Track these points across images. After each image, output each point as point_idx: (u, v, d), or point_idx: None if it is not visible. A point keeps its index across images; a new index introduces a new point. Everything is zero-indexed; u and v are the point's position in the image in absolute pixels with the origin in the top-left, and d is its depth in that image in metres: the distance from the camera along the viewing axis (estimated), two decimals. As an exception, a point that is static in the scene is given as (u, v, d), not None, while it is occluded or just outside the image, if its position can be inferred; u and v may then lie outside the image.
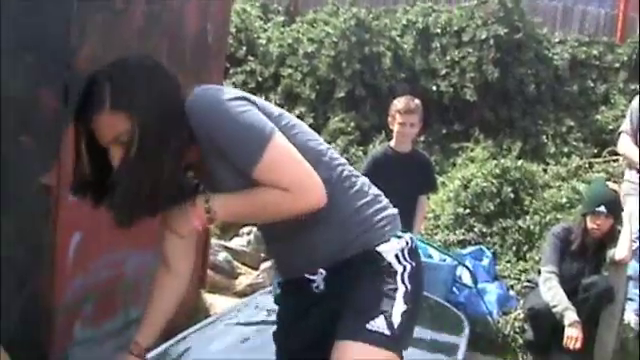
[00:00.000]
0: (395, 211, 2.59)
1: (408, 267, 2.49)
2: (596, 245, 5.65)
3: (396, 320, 2.41)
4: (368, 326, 2.37)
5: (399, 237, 2.53)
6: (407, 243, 2.53)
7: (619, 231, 5.69)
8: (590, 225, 5.59)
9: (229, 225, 6.99)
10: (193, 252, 2.70)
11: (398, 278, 2.46)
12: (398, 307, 2.43)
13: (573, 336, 5.28)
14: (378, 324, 2.38)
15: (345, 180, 2.50)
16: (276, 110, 2.46)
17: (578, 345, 5.28)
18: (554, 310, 5.42)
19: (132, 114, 2.23)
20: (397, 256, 2.49)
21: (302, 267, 2.55)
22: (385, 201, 2.58)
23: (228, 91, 2.37)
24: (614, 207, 5.63)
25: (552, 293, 5.47)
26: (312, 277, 2.53)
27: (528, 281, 6.06)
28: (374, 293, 2.44)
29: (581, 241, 5.63)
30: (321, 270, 2.52)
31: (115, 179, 2.27)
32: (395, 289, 2.45)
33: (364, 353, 2.35)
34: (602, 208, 5.52)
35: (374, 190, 2.58)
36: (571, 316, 5.34)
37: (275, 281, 2.83)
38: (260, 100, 2.44)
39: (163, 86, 2.32)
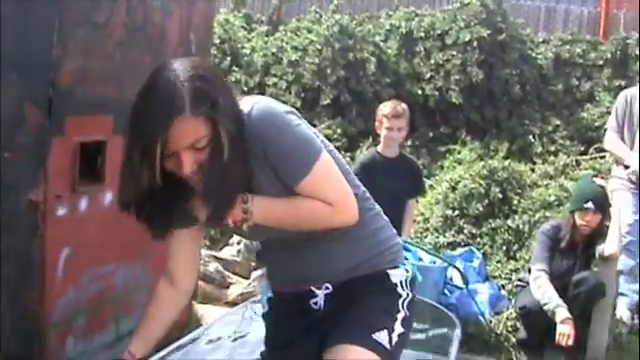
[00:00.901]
0: (401, 240, 2.68)
1: (410, 295, 2.55)
2: (585, 241, 5.66)
3: (395, 338, 2.46)
4: (374, 336, 2.41)
5: (404, 265, 2.60)
6: (410, 272, 2.60)
7: (608, 227, 5.71)
8: (579, 222, 5.60)
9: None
10: (198, 268, 2.70)
11: (400, 302, 2.52)
12: (398, 327, 2.48)
13: (565, 333, 5.27)
14: (382, 337, 2.42)
15: (366, 200, 2.56)
16: (310, 127, 2.49)
17: (570, 342, 5.27)
18: (545, 308, 5.41)
19: (214, 117, 2.18)
20: (402, 282, 2.55)
21: (308, 278, 2.54)
22: (394, 230, 2.65)
23: (279, 104, 2.39)
24: (602, 203, 5.64)
25: (542, 291, 5.46)
26: (317, 290, 2.54)
27: (519, 280, 6.06)
28: (380, 309, 2.49)
29: (570, 238, 5.63)
30: (327, 284, 2.53)
31: (206, 184, 2.24)
32: (398, 311, 2.51)
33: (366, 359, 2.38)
34: (590, 204, 5.52)
35: (385, 216, 2.64)
36: (562, 313, 5.33)
37: (265, 297, 2.80)
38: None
39: (230, 89, 2.31)
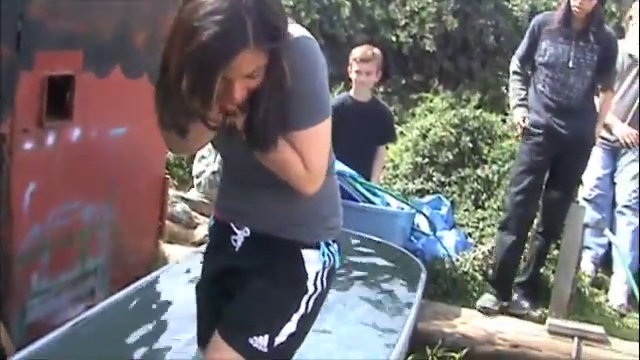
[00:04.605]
0: (340, 225, 2.60)
1: (319, 290, 2.50)
2: (581, 27, 5.37)
3: (280, 339, 2.43)
4: (250, 340, 2.40)
5: (329, 249, 2.53)
6: (329, 261, 2.53)
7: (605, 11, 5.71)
8: (572, 4, 5.32)
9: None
10: None
11: (305, 298, 2.48)
12: (289, 327, 2.45)
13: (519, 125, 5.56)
14: (259, 342, 2.40)
15: (329, 170, 2.49)
16: None
17: (524, 124, 5.47)
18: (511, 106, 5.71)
19: (276, 49, 2.13)
20: (317, 274, 2.49)
21: (239, 213, 2.54)
22: (340, 208, 2.60)
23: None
24: None
25: (514, 93, 5.65)
26: (236, 230, 2.54)
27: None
28: (276, 306, 2.46)
29: (564, 18, 5.37)
30: (246, 229, 2.52)
31: (261, 113, 2.19)
32: (297, 309, 2.46)
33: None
34: None
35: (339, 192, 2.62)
36: (517, 115, 5.56)
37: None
38: None
39: (285, 13, 2.23)
